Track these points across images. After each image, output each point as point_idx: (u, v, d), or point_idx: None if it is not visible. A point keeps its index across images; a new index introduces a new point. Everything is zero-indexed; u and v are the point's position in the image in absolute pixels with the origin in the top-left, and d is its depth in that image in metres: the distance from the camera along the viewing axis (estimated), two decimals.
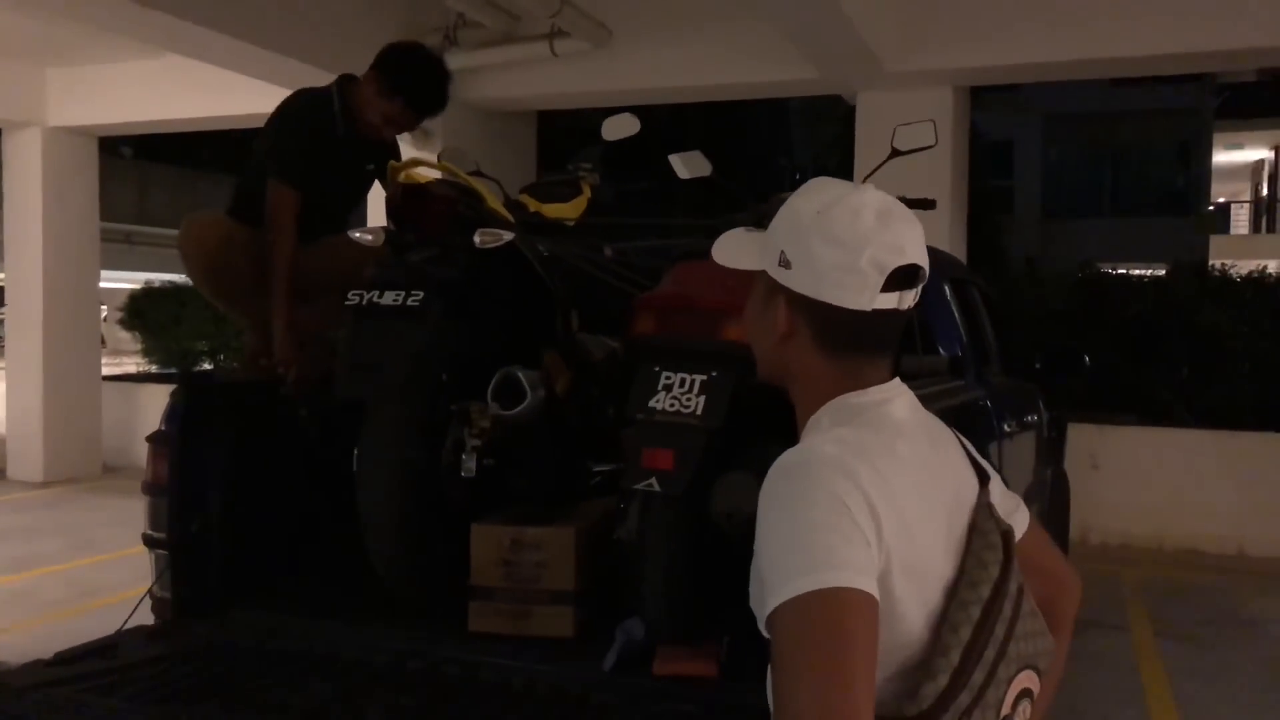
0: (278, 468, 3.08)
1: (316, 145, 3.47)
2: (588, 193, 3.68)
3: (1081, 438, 6.72)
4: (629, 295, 3.40)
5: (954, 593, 1.22)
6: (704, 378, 2.40)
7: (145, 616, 2.93)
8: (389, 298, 2.61)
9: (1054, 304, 8.03)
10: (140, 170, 19.01)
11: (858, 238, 1.23)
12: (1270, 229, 29.23)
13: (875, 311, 1.24)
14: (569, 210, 3.57)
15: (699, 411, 2.37)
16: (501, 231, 2.71)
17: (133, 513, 8.26)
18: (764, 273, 1.31)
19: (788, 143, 26.30)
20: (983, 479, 1.35)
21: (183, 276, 12.22)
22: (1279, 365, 7.61)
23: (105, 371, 10.65)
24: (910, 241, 1.26)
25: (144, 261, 18.67)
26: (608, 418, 3.34)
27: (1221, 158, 26.39)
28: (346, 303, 2.66)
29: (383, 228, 2.85)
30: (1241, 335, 7.63)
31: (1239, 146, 28.13)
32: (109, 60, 8.83)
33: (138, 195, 18.55)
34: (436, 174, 2.93)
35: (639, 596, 2.50)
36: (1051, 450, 5.29)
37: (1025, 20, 6.79)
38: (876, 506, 1.15)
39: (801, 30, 6.37)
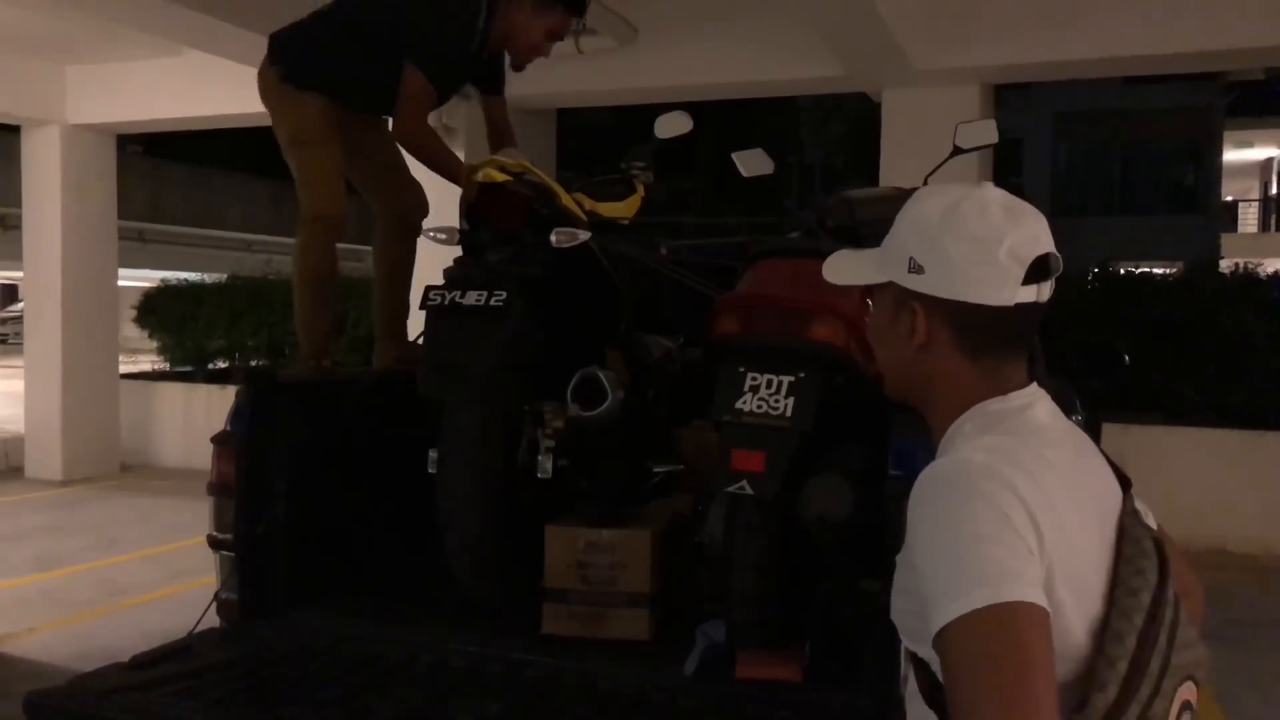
0: (344, 467, 3.05)
1: (455, 61, 3.46)
2: (641, 191, 3.66)
3: (1107, 438, 6.67)
4: (686, 294, 3.40)
5: (1113, 601, 1.19)
6: (792, 379, 2.38)
7: (209, 618, 2.91)
8: (471, 297, 2.58)
9: (1075, 304, 7.99)
10: (153, 168, 18.96)
11: (992, 231, 1.21)
12: None
13: (1016, 306, 1.22)
14: (623, 209, 3.55)
15: (788, 413, 2.35)
16: (577, 230, 2.69)
17: (152, 511, 8.28)
18: (889, 284, 1.29)
19: (796, 142, 26.31)
20: (1125, 485, 1.32)
21: (198, 275, 12.26)
22: None
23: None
24: (1043, 232, 1.25)
25: (157, 260, 18.65)
26: (663, 418, 3.33)
27: (1231, 156, 26.38)
28: (428, 303, 2.63)
29: (455, 227, 2.83)
30: (1268, 334, 7.61)
31: (1248, 145, 28.13)
32: (129, 58, 8.80)
33: (151, 193, 18.49)
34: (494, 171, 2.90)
35: (726, 600, 2.47)
36: None
37: (1051, 19, 6.79)
38: (1036, 515, 1.12)
39: (834, 28, 6.36)
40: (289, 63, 3.55)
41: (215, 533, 2.87)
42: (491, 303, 2.56)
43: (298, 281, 3.65)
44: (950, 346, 1.26)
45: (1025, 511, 1.12)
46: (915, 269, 1.24)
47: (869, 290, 1.35)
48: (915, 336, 1.27)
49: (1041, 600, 1.09)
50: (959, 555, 1.10)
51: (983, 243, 1.21)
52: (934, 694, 1.20)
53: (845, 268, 1.36)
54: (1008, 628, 1.05)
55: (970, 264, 1.21)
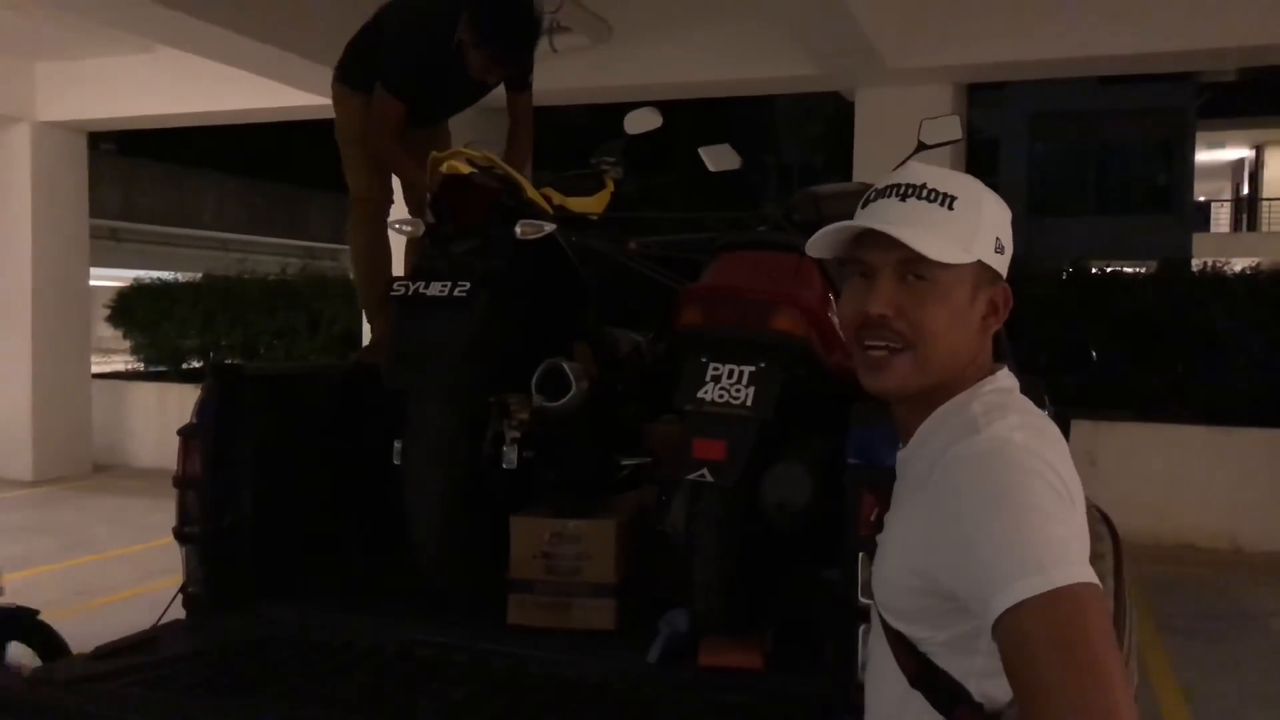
0: (310, 459, 3.05)
1: (424, 80, 3.60)
2: (611, 186, 3.68)
3: (1079, 434, 6.73)
4: (655, 288, 3.41)
5: None
6: (753, 368, 2.40)
7: (175, 611, 2.91)
8: (435, 289, 2.59)
9: (1048, 301, 8.06)
10: (126, 166, 18.83)
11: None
12: (1251, 227, 29.57)
13: None
14: (593, 204, 3.56)
15: (749, 402, 2.37)
16: (542, 223, 2.70)
17: (125, 511, 8.19)
18: (966, 265, 1.25)
19: (774, 141, 26.40)
20: None
21: (171, 274, 12.19)
22: (1272, 360, 7.69)
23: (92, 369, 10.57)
24: None
25: (130, 259, 18.49)
26: (632, 411, 3.35)
27: (1203, 156, 26.64)
28: (392, 294, 2.64)
29: (421, 219, 2.83)
30: (1235, 331, 7.71)
31: (1220, 145, 28.44)
32: (100, 55, 8.75)
33: (124, 191, 18.36)
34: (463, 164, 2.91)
35: (688, 588, 2.49)
36: None
37: (1024, 18, 6.86)
38: (1073, 493, 1.15)
39: (807, 27, 6.40)
40: (343, 64, 3.89)
41: (181, 525, 2.87)
42: (455, 294, 2.57)
43: (353, 260, 3.98)
44: (999, 326, 1.30)
45: (1067, 490, 1.14)
46: (999, 249, 1.27)
47: (908, 271, 1.24)
48: (999, 314, 1.29)
49: (1097, 581, 1.10)
50: (1027, 532, 1.09)
51: (1010, 230, 1.31)
52: (923, 676, 1.22)
53: (934, 242, 1.22)
54: (1088, 606, 1.06)
55: (1011, 249, 1.30)
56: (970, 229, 1.25)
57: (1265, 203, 29.35)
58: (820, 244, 1.31)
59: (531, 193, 2.88)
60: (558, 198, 3.34)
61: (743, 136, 22.48)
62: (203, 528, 2.82)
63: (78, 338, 9.87)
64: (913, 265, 1.22)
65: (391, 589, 2.98)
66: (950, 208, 1.24)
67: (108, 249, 17.32)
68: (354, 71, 3.83)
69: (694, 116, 16.70)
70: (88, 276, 10.06)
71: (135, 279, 11.90)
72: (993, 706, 1.18)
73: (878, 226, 1.23)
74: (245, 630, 2.72)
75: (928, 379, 1.26)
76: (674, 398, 2.47)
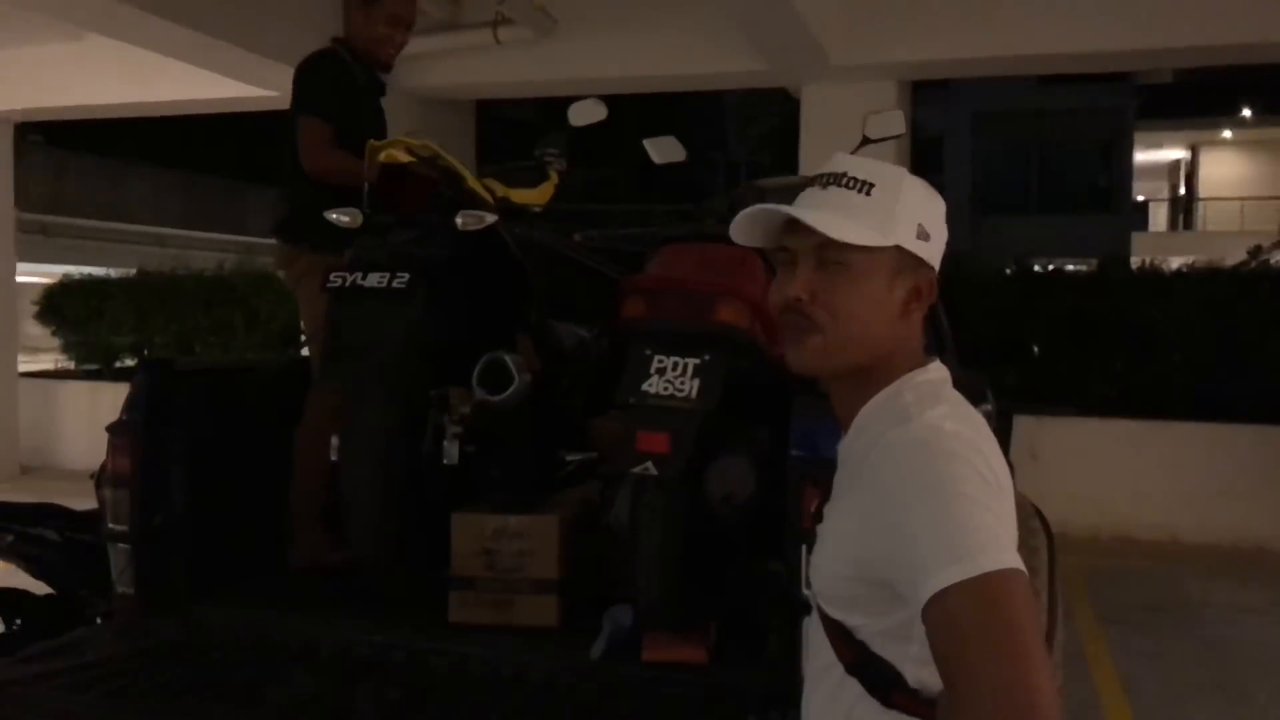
0: (245, 456, 2.98)
1: (341, 90, 3.41)
2: (554, 178, 3.64)
3: (1021, 429, 6.82)
4: (599, 282, 3.38)
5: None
6: (697, 360, 2.38)
7: None
8: (373, 279, 2.54)
9: (992, 298, 8.16)
10: (56, 159, 18.37)
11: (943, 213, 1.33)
12: (1187, 226, 30.31)
13: None
14: (535, 196, 3.52)
15: (693, 395, 2.35)
16: (484, 214, 2.66)
17: None
18: (885, 249, 1.26)
19: (722, 138, 26.50)
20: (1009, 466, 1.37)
21: (103, 270, 11.89)
22: (1208, 356, 7.84)
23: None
24: None
25: (61, 254, 18.01)
26: (576, 405, 3.31)
27: (1141, 157, 27.27)
28: (328, 285, 2.58)
29: (359, 209, 2.77)
30: (1172, 328, 7.85)
31: (1158, 146, 29.14)
32: (28, 43, 8.48)
33: (54, 184, 17.92)
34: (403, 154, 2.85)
35: (632, 582, 2.46)
36: (1000, 440, 5.38)
37: (967, 16, 6.93)
38: (1001, 482, 1.17)
39: (751, 22, 6.41)
40: (283, 225, 3.58)
41: (111, 525, 2.78)
42: (394, 285, 2.52)
43: None
44: (921, 314, 1.31)
45: (996, 478, 1.16)
46: (923, 235, 1.28)
47: (826, 256, 1.26)
48: (921, 301, 1.30)
49: (1023, 566, 1.12)
50: (957, 519, 1.11)
51: (943, 220, 1.31)
52: (860, 663, 1.24)
53: (846, 226, 1.24)
54: (1014, 592, 1.07)
55: (943, 238, 1.31)
56: (886, 214, 1.26)
57: (1201, 203, 30.09)
58: (747, 232, 1.34)
59: (473, 183, 2.83)
60: (500, 189, 3.29)
61: (692, 131, 22.56)
62: (132, 526, 2.73)
63: (4, 336, 9.60)
64: (830, 250, 1.25)
65: (330, 587, 2.91)
66: (868, 194, 1.26)
67: (36, 244, 16.85)
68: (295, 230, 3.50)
69: (642, 110, 16.67)
70: (14, 272, 9.79)
71: (65, 274, 11.60)
72: (928, 693, 1.20)
73: (790, 212, 1.26)
74: (178, 631, 2.65)
75: (843, 359, 1.28)
76: (618, 391, 2.44)
